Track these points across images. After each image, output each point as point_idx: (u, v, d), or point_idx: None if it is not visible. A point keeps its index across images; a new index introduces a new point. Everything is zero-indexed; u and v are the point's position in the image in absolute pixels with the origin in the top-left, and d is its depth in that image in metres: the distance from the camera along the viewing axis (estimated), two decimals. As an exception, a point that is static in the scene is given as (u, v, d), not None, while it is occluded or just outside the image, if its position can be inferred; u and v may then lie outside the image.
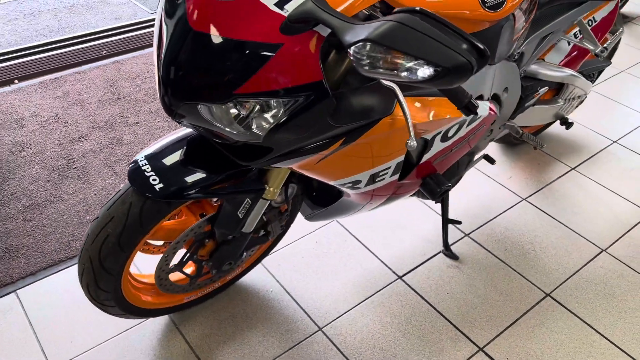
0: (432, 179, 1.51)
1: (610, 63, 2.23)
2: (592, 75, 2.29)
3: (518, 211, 2.18)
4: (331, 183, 1.31)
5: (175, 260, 1.51)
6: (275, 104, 1.02)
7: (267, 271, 1.89)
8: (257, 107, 1.02)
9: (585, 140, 2.57)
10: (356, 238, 2.03)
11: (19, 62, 2.85)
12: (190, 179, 1.24)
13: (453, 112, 1.30)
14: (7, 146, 2.35)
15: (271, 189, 1.35)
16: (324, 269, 1.91)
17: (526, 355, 1.68)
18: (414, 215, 2.13)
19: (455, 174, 1.64)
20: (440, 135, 1.37)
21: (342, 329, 1.73)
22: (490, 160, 1.96)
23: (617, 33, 1.96)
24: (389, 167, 1.32)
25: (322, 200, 1.67)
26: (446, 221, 1.98)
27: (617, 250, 2.04)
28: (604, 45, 1.89)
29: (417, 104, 1.21)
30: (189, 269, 1.59)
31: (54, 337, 1.64)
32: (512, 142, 2.46)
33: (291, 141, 1.06)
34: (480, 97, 1.46)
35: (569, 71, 1.94)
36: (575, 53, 1.98)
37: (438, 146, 1.40)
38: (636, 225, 2.14)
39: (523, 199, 2.24)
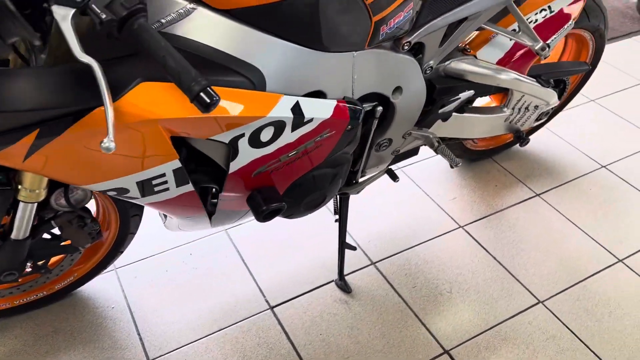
0: (261, 193, 1.18)
1: (589, 68, 1.79)
2: (563, 82, 1.85)
3: (448, 241, 1.79)
4: (88, 188, 1.02)
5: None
6: None
7: (119, 282, 1.61)
8: None
9: (566, 162, 2.12)
10: (240, 254, 1.71)
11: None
12: None
13: (244, 110, 0.97)
14: None
15: (27, 189, 1.07)
16: (185, 288, 1.61)
17: None
18: (319, 234, 1.79)
19: (310, 189, 1.30)
20: (245, 139, 1.04)
21: (175, 364, 1.43)
22: (392, 176, 1.59)
23: (565, 26, 1.53)
24: (163, 175, 1.01)
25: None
26: (342, 245, 1.63)
27: (556, 305, 1.61)
28: (547, 42, 1.47)
29: (171, 93, 0.90)
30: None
31: None
32: (470, 157, 2.06)
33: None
34: (320, 94, 1.12)
35: (511, 73, 1.54)
36: (523, 51, 1.57)
37: (249, 153, 1.07)
38: (587, 278, 1.69)
39: (460, 227, 1.84)
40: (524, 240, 1.80)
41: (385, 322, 1.54)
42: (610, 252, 1.77)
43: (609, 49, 2.85)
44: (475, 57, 1.49)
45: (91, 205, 1.42)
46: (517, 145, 2.12)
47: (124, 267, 1.65)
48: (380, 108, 1.30)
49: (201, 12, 0.92)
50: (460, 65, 1.46)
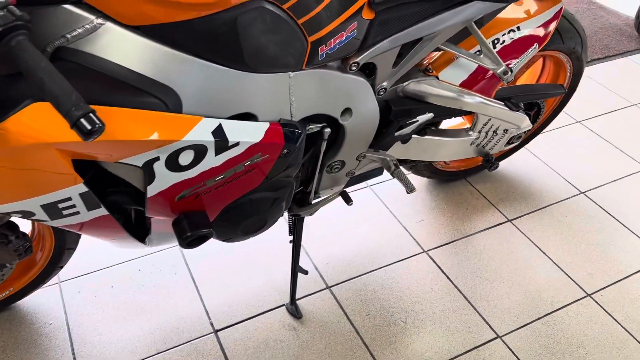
0: (187, 217, 1.11)
1: (564, 91, 1.71)
2: (537, 105, 1.77)
3: (410, 266, 1.72)
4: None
5: None
6: None
7: (61, 297, 1.56)
8: None
9: (543, 186, 2.04)
10: (190, 272, 1.65)
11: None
12: None
13: (154, 133, 0.91)
14: None
15: None
16: (129, 305, 1.55)
17: None
18: (275, 254, 1.72)
19: (248, 213, 1.23)
20: (161, 163, 0.97)
21: (107, 388, 1.37)
22: (346, 199, 1.52)
23: (529, 50, 1.44)
24: (69, 199, 0.95)
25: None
26: (295, 268, 1.56)
27: (515, 340, 1.53)
28: (510, 66, 1.39)
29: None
30: None
31: None
32: (442, 178, 1.99)
33: None
34: (250, 117, 1.05)
35: (475, 96, 1.46)
36: (489, 73, 1.49)
37: (168, 177, 1.00)
38: (552, 313, 1.61)
39: (424, 251, 1.77)
40: (489, 269, 1.72)
41: (332, 352, 1.47)
42: (579, 286, 1.68)
43: (602, 67, 2.77)
44: (437, 78, 1.42)
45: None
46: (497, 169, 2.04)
47: (68, 280, 1.60)
48: (328, 130, 1.24)
49: (109, 28, 0.86)
50: (420, 86, 1.39)
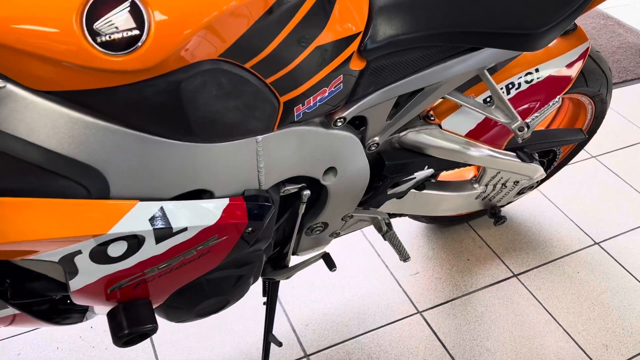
0: (125, 310, 0.91)
1: (585, 137, 1.50)
2: (552, 151, 1.56)
3: (401, 330, 1.51)
4: None
5: None
6: None
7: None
8: None
9: (553, 234, 1.83)
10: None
11: None
12: None
13: (66, 229, 0.70)
14: None
15: None
16: (76, 372, 1.35)
17: None
18: (252, 312, 1.51)
19: (205, 296, 1.02)
20: (83, 256, 0.77)
21: None
22: (329, 263, 1.31)
23: (551, 103, 1.23)
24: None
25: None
26: (267, 336, 1.36)
27: None
28: (527, 120, 1.17)
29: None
30: None
31: None
32: (443, 222, 1.78)
33: None
34: (203, 194, 0.84)
35: (483, 148, 1.25)
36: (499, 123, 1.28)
37: (95, 270, 0.80)
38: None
39: (418, 312, 1.56)
40: (491, 336, 1.51)
41: None
42: (581, 349, 1.48)
43: (620, 93, 2.55)
44: (440, 126, 1.21)
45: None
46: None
47: (7, 339, 1.39)
48: (307, 192, 1.03)
49: (11, 92, 0.64)
50: (420, 136, 1.17)
